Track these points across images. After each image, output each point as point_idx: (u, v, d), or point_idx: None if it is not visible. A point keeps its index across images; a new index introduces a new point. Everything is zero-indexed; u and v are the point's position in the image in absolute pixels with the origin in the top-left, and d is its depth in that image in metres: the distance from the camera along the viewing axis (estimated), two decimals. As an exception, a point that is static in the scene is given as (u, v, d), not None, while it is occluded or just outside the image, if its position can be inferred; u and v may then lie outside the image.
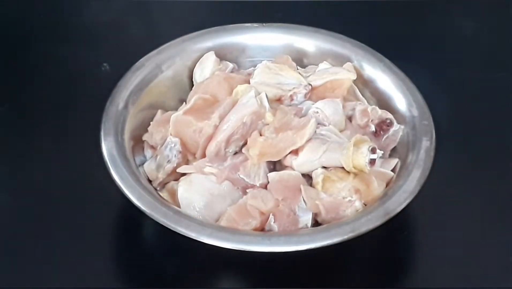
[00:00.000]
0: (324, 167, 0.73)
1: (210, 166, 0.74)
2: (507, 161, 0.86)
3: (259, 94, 0.76)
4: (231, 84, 0.78)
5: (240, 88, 0.77)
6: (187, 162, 0.76)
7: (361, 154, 0.71)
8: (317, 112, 0.76)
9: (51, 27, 1.02)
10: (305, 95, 0.78)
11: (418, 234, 0.79)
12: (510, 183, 0.83)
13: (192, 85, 0.83)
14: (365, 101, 0.82)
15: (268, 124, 0.75)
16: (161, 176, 0.75)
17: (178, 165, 0.75)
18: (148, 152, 0.79)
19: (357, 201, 0.72)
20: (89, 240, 0.76)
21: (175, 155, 0.75)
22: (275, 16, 0.97)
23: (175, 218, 0.69)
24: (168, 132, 0.76)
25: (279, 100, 0.78)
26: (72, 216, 0.78)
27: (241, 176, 0.73)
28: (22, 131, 0.88)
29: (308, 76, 0.80)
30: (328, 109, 0.76)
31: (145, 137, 0.79)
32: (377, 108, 0.79)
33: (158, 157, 0.76)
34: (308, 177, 0.74)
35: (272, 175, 0.73)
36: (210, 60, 0.84)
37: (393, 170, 0.76)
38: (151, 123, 0.79)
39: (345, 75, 0.80)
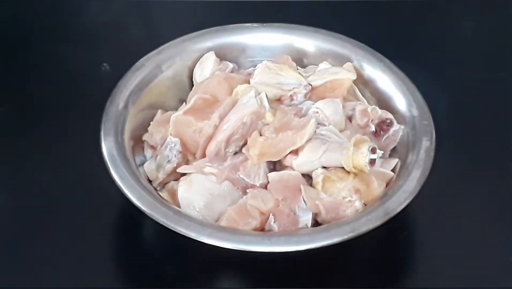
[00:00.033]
0: (324, 167, 0.73)
1: (210, 166, 0.74)
2: (507, 161, 0.86)
3: (259, 94, 0.76)
4: (231, 84, 0.78)
5: (240, 88, 0.77)
6: (187, 162, 0.76)
7: (361, 154, 0.71)
8: (317, 112, 0.76)
9: (51, 27, 1.02)
10: (305, 95, 0.78)
11: (418, 234, 0.79)
12: (510, 183, 0.83)
13: (192, 85, 0.83)
14: (365, 101, 0.82)
15: (268, 124, 0.75)
16: (161, 176, 0.75)
17: (178, 165, 0.75)
18: (148, 152, 0.79)
19: (357, 201, 0.72)
20: (89, 240, 0.76)
21: (175, 155, 0.75)
22: (275, 16, 0.97)
23: (175, 218, 0.69)
24: (168, 132, 0.76)
25: (279, 100, 0.78)
26: (72, 216, 0.78)
27: (241, 176, 0.73)
28: (22, 131, 0.88)
29: (308, 76, 0.80)
30: (328, 109, 0.76)
31: (145, 137, 0.79)
32: (377, 108, 0.79)
33: (158, 157, 0.76)
34: (308, 177, 0.74)
35: (272, 175, 0.73)
36: (210, 60, 0.84)
37: (393, 170, 0.76)
38: (151, 123, 0.79)
39: (345, 75, 0.80)
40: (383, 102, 0.81)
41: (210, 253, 0.72)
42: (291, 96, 0.78)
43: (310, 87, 0.79)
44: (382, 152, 0.74)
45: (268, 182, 0.73)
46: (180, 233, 0.68)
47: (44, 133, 0.87)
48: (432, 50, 1.00)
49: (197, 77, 0.83)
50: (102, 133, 0.75)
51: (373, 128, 0.78)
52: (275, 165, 0.75)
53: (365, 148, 0.71)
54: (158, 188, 0.75)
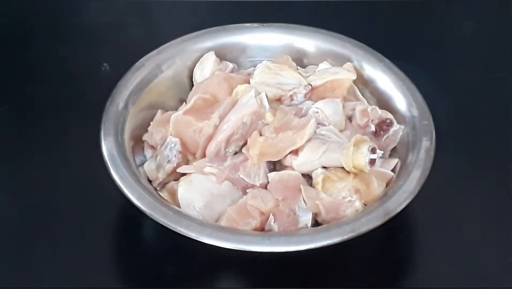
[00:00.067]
0: (324, 167, 0.73)
1: (210, 166, 0.74)
2: (507, 161, 0.86)
3: (259, 94, 0.76)
4: (231, 84, 0.78)
5: (240, 88, 0.77)
6: (187, 162, 0.76)
7: (361, 154, 0.71)
8: (317, 112, 0.76)
9: (51, 27, 1.02)
10: (305, 95, 0.78)
11: (418, 234, 0.79)
12: (510, 183, 0.83)
13: (192, 85, 0.83)
14: (365, 101, 0.82)
15: (268, 124, 0.75)
16: (161, 176, 0.75)
17: (178, 165, 0.75)
18: (148, 152, 0.79)
19: (357, 201, 0.72)
20: (89, 240, 0.76)
21: (175, 155, 0.75)
22: (275, 16, 0.97)
23: (175, 218, 0.69)
24: (168, 132, 0.76)
25: (279, 100, 0.78)
26: (72, 216, 0.78)
27: (241, 176, 0.73)
28: (22, 131, 0.88)
29: (308, 76, 0.80)
30: (328, 109, 0.76)
31: (145, 137, 0.79)
32: (377, 108, 0.79)
33: (158, 157, 0.76)
34: (308, 177, 0.74)
35: (272, 175, 0.73)
36: (210, 60, 0.84)
37: (393, 170, 0.76)
38: (151, 123, 0.79)
39: (345, 75, 0.80)
40: (383, 102, 0.81)
41: (210, 253, 0.71)
42: (291, 96, 0.78)
43: (310, 87, 0.79)
44: (382, 152, 0.74)
45: (268, 182, 0.73)
46: (180, 233, 0.68)
47: (44, 133, 0.87)
48: (432, 50, 1.00)
49: (197, 77, 0.83)
50: (102, 133, 0.75)
51: (373, 128, 0.78)
52: (275, 165, 0.75)
53: (365, 148, 0.71)
54: (158, 188, 0.75)
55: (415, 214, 0.79)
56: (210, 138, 0.74)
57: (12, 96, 0.92)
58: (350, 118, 0.79)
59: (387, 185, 0.74)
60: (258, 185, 0.73)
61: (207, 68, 0.83)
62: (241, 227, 0.70)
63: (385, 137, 0.78)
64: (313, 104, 0.77)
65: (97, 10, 1.05)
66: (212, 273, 0.75)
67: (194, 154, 0.76)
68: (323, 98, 0.78)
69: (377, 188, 0.73)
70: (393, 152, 0.78)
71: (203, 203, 0.72)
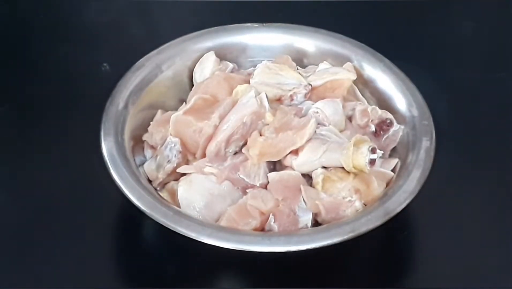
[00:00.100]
0: (324, 167, 0.73)
1: (210, 166, 0.74)
2: (507, 161, 0.86)
3: (259, 94, 0.76)
4: (231, 84, 0.78)
5: (240, 88, 0.77)
6: (187, 162, 0.76)
7: (361, 154, 0.71)
8: (317, 112, 0.76)
9: (51, 27, 1.02)
10: (305, 95, 0.78)
11: (418, 234, 0.79)
12: (510, 183, 0.83)
13: (192, 85, 0.83)
14: (365, 101, 0.82)
15: (268, 124, 0.75)
16: (161, 176, 0.75)
17: (178, 165, 0.75)
18: (148, 152, 0.79)
19: (357, 201, 0.72)
20: (89, 240, 0.76)
21: (175, 155, 0.75)
22: (275, 16, 0.97)
23: (175, 218, 0.69)
24: (168, 132, 0.76)
25: (279, 100, 0.78)
26: (72, 216, 0.78)
27: (241, 176, 0.73)
28: (22, 131, 0.88)
29: (308, 76, 0.80)
30: (328, 109, 0.76)
31: (145, 137, 0.79)
32: (377, 108, 0.79)
33: (158, 157, 0.76)
34: (308, 177, 0.74)
35: (272, 175, 0.73)
36: (210, 60, 0.84)
37: (393, 170, 0.76)
38: (151, 123, 0.79)
39: (345, 75, 0.80)
40: (383, 102, 0.81)
41: (210, 253, 0.71)
42: (291, 96, 0.78)
43: (310, 87, 0.79)
44: (382, 152, 0.74)
45: (268, 182, 0.73)
46: (180, 233, 0.68)
47: (44, 133, 0.87)
48: (432, 50, 1.00)
49: (197, 77, 0.83)
50: (102, 133, 0.75)
51: (373, 128, 0.78)
52: (275, 165, 0.75)
53: (365, 148, 0.71)
54: (158, 188, 0.75)
55: (415, 214, 0.79)
56: (210, 138, 0.74)
57: (12, 96, 0.92)
58: (350, 118, 0.79)
59: (387, 185, 0.74)
60: (258, 185, 0.73)
61: (207, 68, 0.83)
62: (241, 227, 0.70)
63: (385, 137, 0.78)
64: (313, 104, 0.77)
65: (97, 10, 1.05)
66: (212, 273, 0.75)
67: (194, 154, 0.76)
68: (323, 98, 0.78)
69: (377, 188, 0.73)
70: (393, 152, 0.78)
71: (203, 203, 0.72)
